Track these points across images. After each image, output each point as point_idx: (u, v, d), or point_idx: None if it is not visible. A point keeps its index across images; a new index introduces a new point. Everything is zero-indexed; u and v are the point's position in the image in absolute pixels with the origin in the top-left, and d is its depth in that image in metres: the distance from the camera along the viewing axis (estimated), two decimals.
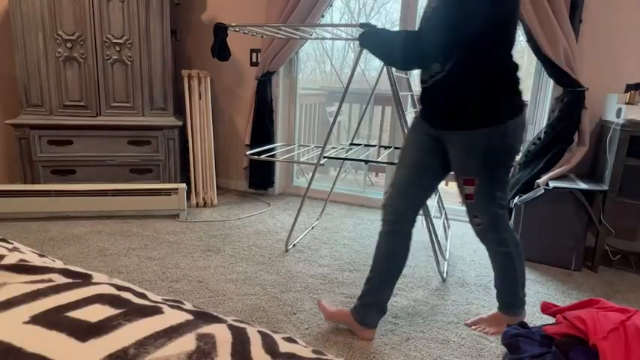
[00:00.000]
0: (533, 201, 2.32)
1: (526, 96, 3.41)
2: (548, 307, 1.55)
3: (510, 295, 1.64)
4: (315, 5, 2.89)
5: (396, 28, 2.99)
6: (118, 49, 2.89)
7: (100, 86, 2.93)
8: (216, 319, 0.59)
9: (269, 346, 0.54)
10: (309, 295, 1.88)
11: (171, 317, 0.57)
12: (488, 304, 1.88)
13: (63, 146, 2.91)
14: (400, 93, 1.93)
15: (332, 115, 3.98)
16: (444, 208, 2.64)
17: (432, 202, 2.82)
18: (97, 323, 0.53)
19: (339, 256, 2.32)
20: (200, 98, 3.06)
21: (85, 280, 0.67)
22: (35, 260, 0.74)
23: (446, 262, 2.26)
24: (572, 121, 2.43)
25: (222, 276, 2.02)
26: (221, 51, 2.07)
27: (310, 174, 2.55)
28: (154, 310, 0.58)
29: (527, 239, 2.37)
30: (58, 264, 0.76)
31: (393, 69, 1.91)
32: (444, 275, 2.10)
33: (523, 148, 2.70)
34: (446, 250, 2.43)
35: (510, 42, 1.36)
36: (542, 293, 2.02)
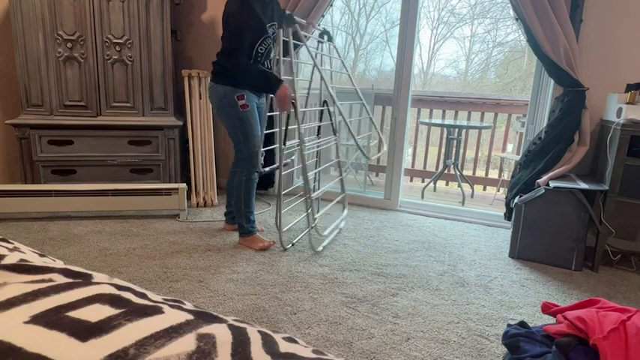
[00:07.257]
0: (534, 201, 2.32)
1: (526, 96, 3.43)
2: (549, 307, 1.55)
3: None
4: (315, 5, 2.89)
5: (397, 28, 2.99)
6: (118, 49, 2.89)
7: (100, 86, 2.93)
8: (217, 319, 0.60)
9: (269, 346, 0.54)
10: (309, 295, 1.88)
11: (172, 317, 0.57)
12: (489, 304, 1.88)
13: (63, 146, 2.91)
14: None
15: (333, 115, 3.97)
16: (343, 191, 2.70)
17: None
18: (98, 323, 0.53)
19: (339, 256, 2.32)
20: (200, 98, 3.06)
21: (85, 279, 0.67)
22: (36, 260, 0.74)
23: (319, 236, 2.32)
24: (572, 120, 2.43)
25: (223, 276, 2.02)
26: None
27: (311, 174, 2.55)
28: (154, 310, 0.58)
29: (527, 239, 2.37)
30: (59, 264, 0.76)
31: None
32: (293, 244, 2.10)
33: (523, 147, 2.69)
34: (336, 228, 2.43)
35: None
36: (542, 293, 2.02)
